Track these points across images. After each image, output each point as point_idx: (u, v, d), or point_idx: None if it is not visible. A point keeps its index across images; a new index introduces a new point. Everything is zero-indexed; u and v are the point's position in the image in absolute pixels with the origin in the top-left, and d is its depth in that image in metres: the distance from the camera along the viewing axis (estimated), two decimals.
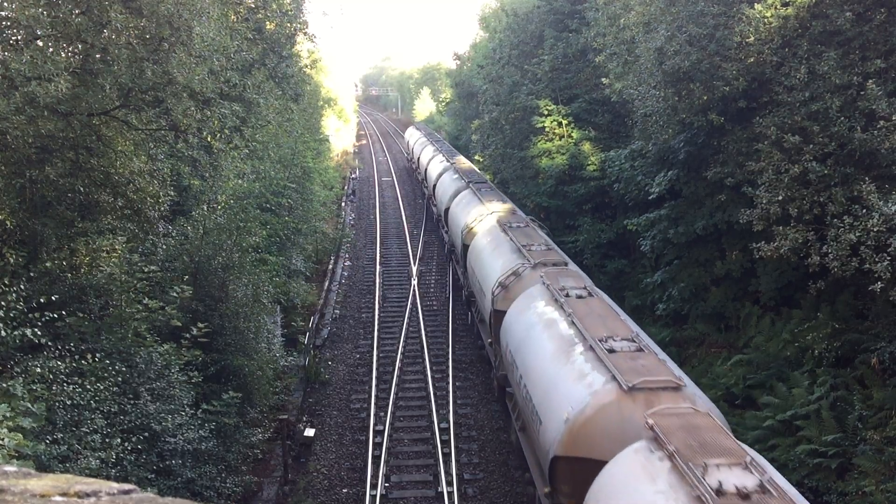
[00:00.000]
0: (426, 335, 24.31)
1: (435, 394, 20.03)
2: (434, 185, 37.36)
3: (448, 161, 38.61)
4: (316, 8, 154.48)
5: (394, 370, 21.54)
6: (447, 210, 30.90)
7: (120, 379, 12.02)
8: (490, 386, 20.68)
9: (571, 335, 12.72)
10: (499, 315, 17.00)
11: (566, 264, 17.97)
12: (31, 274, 12.45)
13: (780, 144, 17.14)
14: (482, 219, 24.41)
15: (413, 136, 59.18)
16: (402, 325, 25.24)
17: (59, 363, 11.05)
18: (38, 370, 10.51)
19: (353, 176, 56.48)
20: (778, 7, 17.57)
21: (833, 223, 15.42)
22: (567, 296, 14.39)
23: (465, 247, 24.15)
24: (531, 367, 13.29)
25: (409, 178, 55.18)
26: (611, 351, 11.48)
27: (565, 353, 12.32)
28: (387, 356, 23.01)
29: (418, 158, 49.18)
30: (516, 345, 14.65)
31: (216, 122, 16.16)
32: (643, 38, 21.40)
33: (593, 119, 32.15)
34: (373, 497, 15.35)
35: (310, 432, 17.91)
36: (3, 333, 9.96)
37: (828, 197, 16.33)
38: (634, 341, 11.95)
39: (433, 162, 41.18)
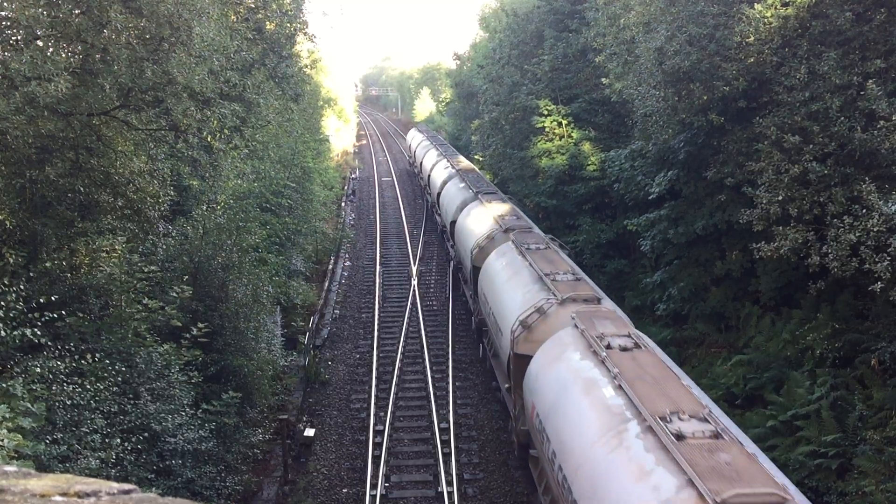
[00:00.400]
0: (426, 335, 24.31)
1: (435, 394, 20.03)
2: (439, 194, 34.56)
3: (454, 168, 35.76)
4: (316, 8, 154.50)
5: (394, 370, 21.54)
6: (454, 223, 28.11)
7: (120, 379, 12.03)
8: (489, 385, 20.68)
9: (621, 406, 9.95)
10: (521, 360, 14.49)
11: (600, 301, 14.94)
12: (31, 274, 12.46)
13: (780, 144, 17.14)
14: (494, 237, 21.83)
15: (415, 138, 55.61)
16: (402, 325, 25.24)
17: (59, 363, 11.06)
18: (38, 370, 10.52)
19: (353, 176, 56.48)
20: (778, 7, 17.57)
21: (833, 223, 15.42)
22: (608, 347, 11.63)
23: (476, 269, 21.52)
24: (568, 445, 10.58)
25: (409, 179, 55.17)
26: (679, 437, 8.59)
27: (615, 432, 9.57)
28: (387, 356, 23.01)
29: (421, 163, 45.98)
30: (546, 408, 11.99)
31: (216, 122, 16.15)
32: (643, 38, 21.40)
33: (593, 119, 32.16)
34: (373, 497, 15.35)
35: (310, 432, 17.91)
36: (3, 333, 9.97)
37: (828, 197, 16.33)
38: (708, 421, 8.97)
39: (437, 168, 38.31)
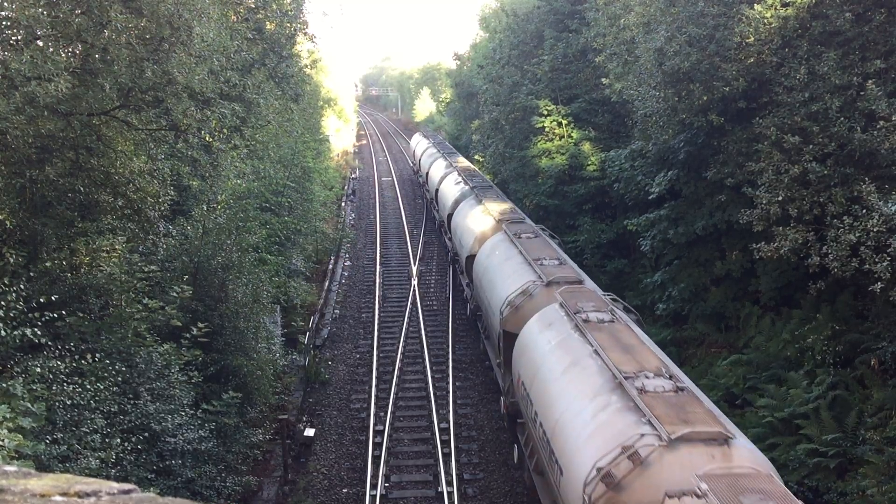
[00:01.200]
0: (426, 335, 24.31)
1: (435, 394, 20.03)
2: (450, 216, 29.20)
3: (467, 184, 29.94)
4: (316, 8, 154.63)
5: (394, 370, 21.55)
6: (472, 258, 22.51)
7: (120, 379, 12.03)
8: (489, 386, 20.66)
9: None
10: None
11: (729, 440, 8.91)
12: (31, 274, 12.46)
13: (780, 145, 17.15)
14: (533, 292, 16.13)
15: (421, 146, 49.24)
16: (402, 324, 25.25)
17: (59, 363, 11.06)
18: (38, 370, 10.52)
19: (353, 176, 56.48)
20: (778, 7, 17.57)
21: (833, 223, 15.43)
22: None
23: (509, 335, 15.98)
24: None
25: (409, 179, 55.17)
26: None
27: None
28: (387, 356, 23.01)
29: (427, 174, 40.43)
30: None
31: (216, 121, 16.17)
32: (643, 39, 21.41)
33: (593, 119, 32.18)
34: (373, 497, 15.36)
35: (310, 432, 17.92)
36: (3, 333, 9.97)
37: (828, 197, 16.33)
38: None
39: (447, 182, 32.96)
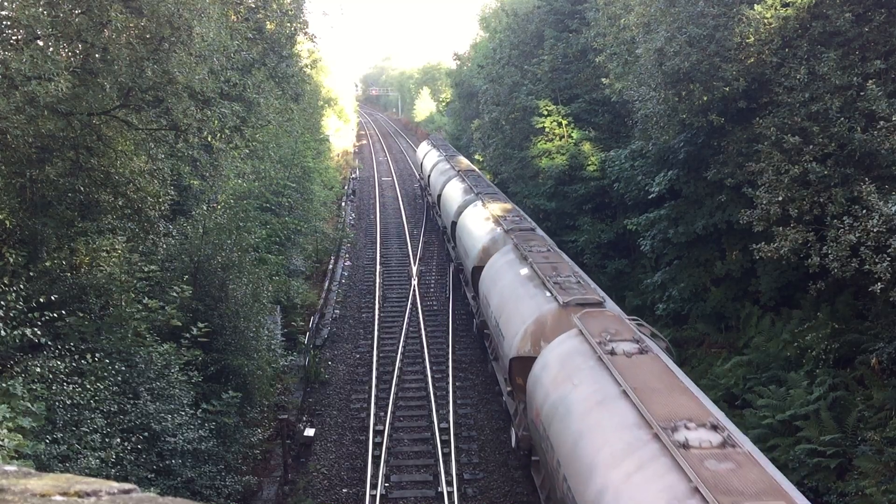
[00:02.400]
0: (426, 335, 24.30)
1: (435, 394, 20.03)
2: (477, 268, 21.65)
3: (498, 223, 22.41)
4: (316, 8, 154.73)
5: (394, 370, 21.54)
6: (521, 362, 14.88)
7: (120, 379, 12.04)
8: (489, 386, 20.66)
9: None
10: None
11: None
12: (31, 274, 12.46)
13: (780, 145, 17.15)
14: (648, 464, 8.37)
15: (430, 158, 41.12)
16: (402, 324, 25.24)
17: (59, 363, 11.06)
18: (38, 370, 10.52)
19: (354, 176, 56.47)
20: (778, 8, 17.57)
21: (833, 224, 15.43)
22: None
23: None
24: None
25: (409, 179, 55.15)
26: None
27: None
28: (387, 356, 23.01)
29: (440, 197, 33.01)
30: None
31: (216, 121, 16.15)
32: (643, 39, 21.40)
33: (593, 119, 32.18)
34: (373, 497, 15.36)
35: (310, 432, 17.91)
36: (3, 333, 9.97)
37: (828, 198, 16.33)
38: None
39: (470, 217, 25.38)
